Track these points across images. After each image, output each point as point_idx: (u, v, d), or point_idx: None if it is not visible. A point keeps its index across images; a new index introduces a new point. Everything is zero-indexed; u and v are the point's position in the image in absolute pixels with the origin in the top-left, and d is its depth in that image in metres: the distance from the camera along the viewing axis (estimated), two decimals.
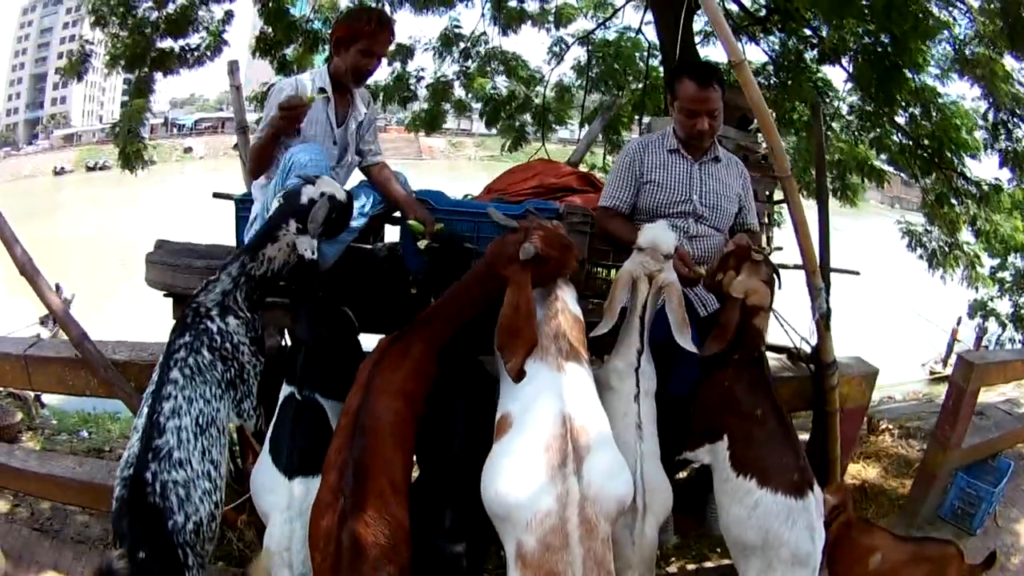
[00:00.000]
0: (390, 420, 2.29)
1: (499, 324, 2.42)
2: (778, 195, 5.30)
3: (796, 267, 3.28)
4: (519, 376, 2.33)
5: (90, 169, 50.17)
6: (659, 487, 2.51)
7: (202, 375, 2.44)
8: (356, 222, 3.16)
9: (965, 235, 7.99)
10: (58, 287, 17.03)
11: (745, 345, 2.79)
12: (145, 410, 2.35)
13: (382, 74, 9.75)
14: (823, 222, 3.19)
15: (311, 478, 2.31)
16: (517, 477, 2.12)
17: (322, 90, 3.23)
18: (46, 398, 6.44)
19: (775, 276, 2.88)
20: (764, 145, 4.36)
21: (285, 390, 2.62)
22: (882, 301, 16.58)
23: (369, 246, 3.39)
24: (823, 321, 3.03)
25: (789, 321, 3.12)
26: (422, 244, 3.11)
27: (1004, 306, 8.97)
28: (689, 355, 2.71)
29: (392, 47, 9.28)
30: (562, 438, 2.13)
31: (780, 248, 4.78)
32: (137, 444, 2.28)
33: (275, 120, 3.01)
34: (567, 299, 2.65)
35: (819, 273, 2.98)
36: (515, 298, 2.42)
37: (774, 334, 3.20)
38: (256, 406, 2.69)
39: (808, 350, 3.20)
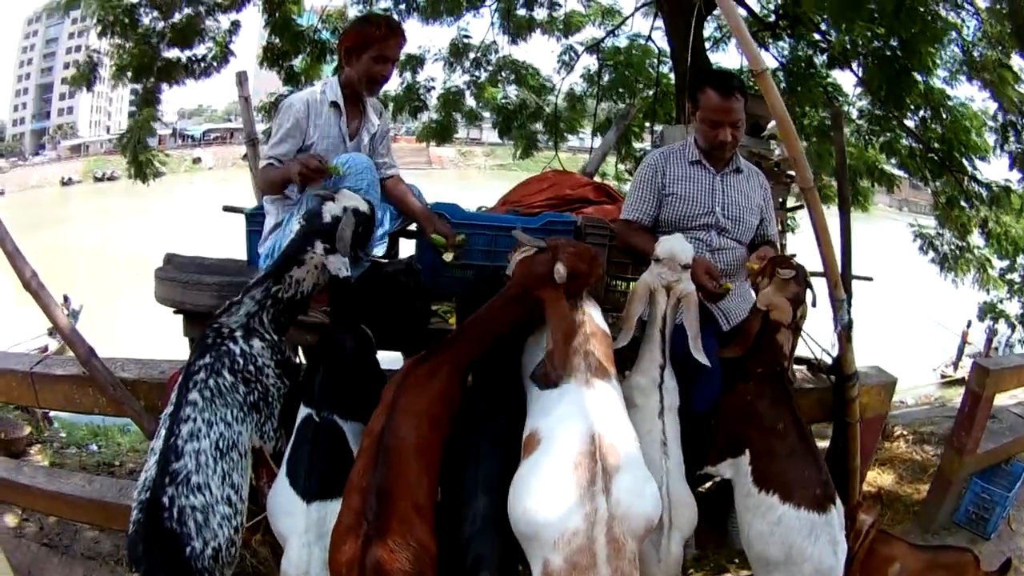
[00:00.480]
0: (414, 443, 2.25)
1: (555, 344, 2.40)
2: (791, 202, 5.29)
3: (813, 274, 3.25)
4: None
5: (98, 180, 50.85)
6: (685, 503, 2.49)
7: (223, 397, 2.37)
8: (379, 249, 3.13)
9: (975, 238, 7.98)
10: (66, 298, 17.11)
11: (766, 360, 2.77)
12: (163, 432, 2.29)
13: (392, 84, 9.73)
14: (845, 232, 3.15)
15: (329, 502, 2.27)
16: (545, 495, 2.07)
17: (334, 104, 3.20)
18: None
19: (803, 294, 2.86)
20: (777, 152, 4.34)
21: (303, 411, 2.53)
22: (891, 304, 16.53)
23: (385, 260, 3.30)
24: (845, 333, 2.98)
25: (809, 332, 3.08)
26: (448, 257, 3.14)
27: (1014, 308, 8.93)
28: (710, 370, 2.69)
29: (402, 56, 9.35)
30: (591, 456, 2.09)
31: (794, 255, 4.75)
32: (154, 467, 2.23)
33: (294, 170, 2.85)
34: (593, 314, 2.61)
35: (841, 284, 2.94)
36: (560, 318, 2.43)
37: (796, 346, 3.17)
38: (277, 428, 2.62)
39: (829, 361, 3.16)
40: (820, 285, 3.04)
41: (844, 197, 3.30)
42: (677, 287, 2.68)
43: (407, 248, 3.73)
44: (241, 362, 2.43)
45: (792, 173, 4.79)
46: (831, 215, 3.34)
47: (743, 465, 2.63)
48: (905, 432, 5.46)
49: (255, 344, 2.48)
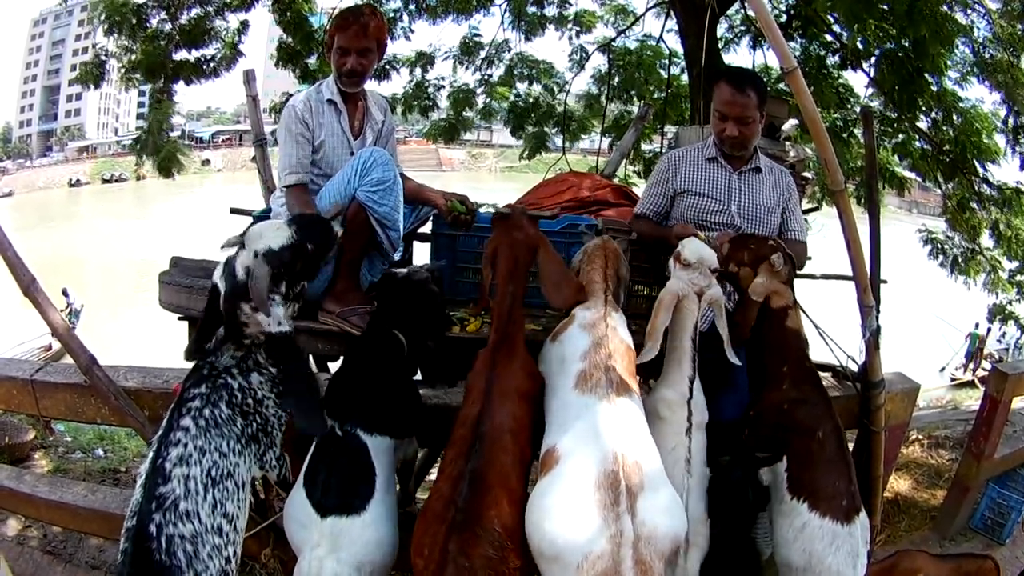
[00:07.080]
0: (511, 427, 2.22)
1: (547, 283, 2.55)
2: (804, 204, 5.22)
3: (832, 277, 3.20)
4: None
5: (106, 181, 51.29)
6: (704, 521, 2.43)
7: (219, 428, 2.24)
8: (396, 253, 3.10)
9: (985, 239, 7.96)
10: (65, 292, 17.04)
11: (789, 354, 2.69)
12: (150, 455, 2.17)
13: (401, 83, 9.80)
14: (874, 236, 3.08)
15: (345, 518, 2.20)
16: (567, 517, 2.00)
17: (331, 101, 3.14)
18: None
19: (792, 269, 2.81)
20: (792, 153, 4.27)
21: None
22: (901, 305, 16.52)
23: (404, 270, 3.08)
24: (874, 339, 2.93)
25: (835, 338, 3.01)
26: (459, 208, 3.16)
27: (1023, 310, 8.89)
28: (740, 377, 2.66)
29: (411, 54, 9.26)
30: (613, 477, 2.02)
31: (809, 258, 4.69)
32: (139, 492, 2.11)
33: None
34: (617, 326, 2.51)
35: (870, 290, 2.88)
36: (549, 259, 2.65)
37: (820, 352, 3.09)
38: (280, 455, 2.50)
39: (855, 368, 3.10)
40: (848, 290, 2.98)
41: (874, 201, 3.22)
42: (708, 293, 2.60)
43: (420, 252, 3.66)
44: (239, 396, 2.31)
45: (807, 175, 4.74)
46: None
47: (780, 471, 2.57)
48: (920, 436, 5.44)
49: (254, 379, 2.35)
